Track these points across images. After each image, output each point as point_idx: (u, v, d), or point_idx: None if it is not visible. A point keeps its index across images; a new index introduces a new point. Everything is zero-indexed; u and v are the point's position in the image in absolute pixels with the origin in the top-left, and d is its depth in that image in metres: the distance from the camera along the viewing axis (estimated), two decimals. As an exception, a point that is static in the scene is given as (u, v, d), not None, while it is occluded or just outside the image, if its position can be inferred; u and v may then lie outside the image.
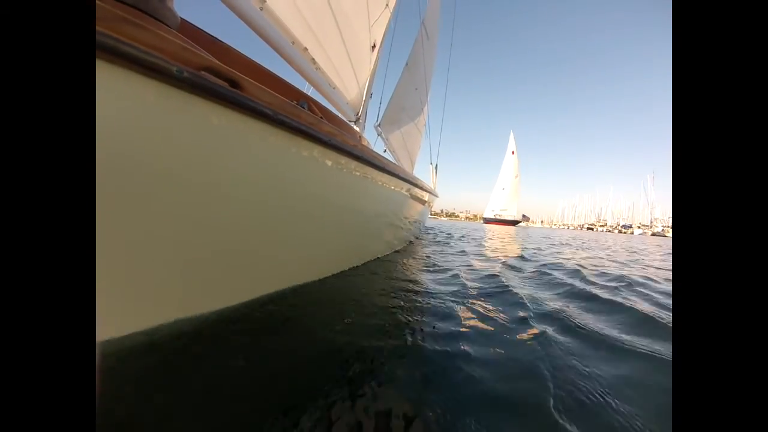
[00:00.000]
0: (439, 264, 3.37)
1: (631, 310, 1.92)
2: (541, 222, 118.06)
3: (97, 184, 0.46)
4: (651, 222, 72.10)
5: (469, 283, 2.43)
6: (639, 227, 69.96)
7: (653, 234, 56.85)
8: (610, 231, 69.83)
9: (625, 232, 61.64)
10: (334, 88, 3.48)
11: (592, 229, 78.30)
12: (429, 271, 2.91)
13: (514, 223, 57.39)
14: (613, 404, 0.94)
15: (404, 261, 3.34)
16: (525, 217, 68.91)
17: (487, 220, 59.11)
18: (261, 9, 2.36)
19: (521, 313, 1.73)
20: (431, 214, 10.83)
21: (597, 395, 0.98)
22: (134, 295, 1.08)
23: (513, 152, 62.39)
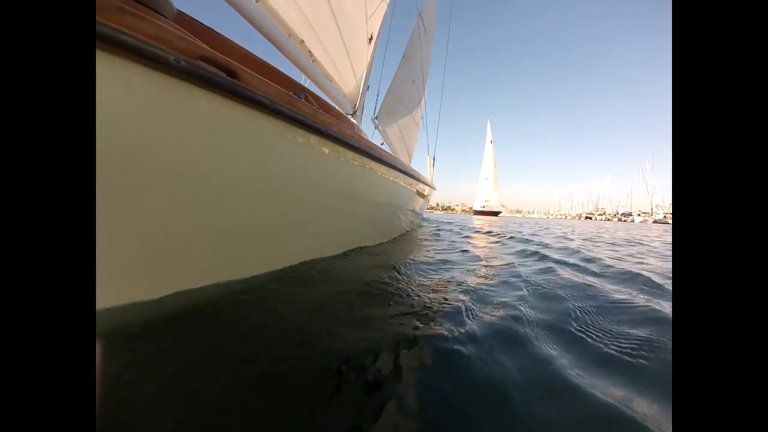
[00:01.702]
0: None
1: None
2: (537, 213, 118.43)
3: (96, 171, 0.45)
4: (652, 209, 70.21)
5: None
6: (639, 215, 68.21)
7: (655, 221, 54.75)
8: (609, 220, 68.74)
9: (625, 221, 60.25)
10: (330, 81, 3.45)
11: (591, 218, 77.29)
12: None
13: (495, 213, 58.01)
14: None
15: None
16: (504, 207, 70.55)
17: (477, 212, 59.66)
18: (257, 0, 2.34)
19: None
20: (428, 208, 10.87)
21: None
22: (139, 269, 1.10)
23: (492, 141, 62.45)
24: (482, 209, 59.88)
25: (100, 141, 0.73)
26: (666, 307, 1.43)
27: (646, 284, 1.96)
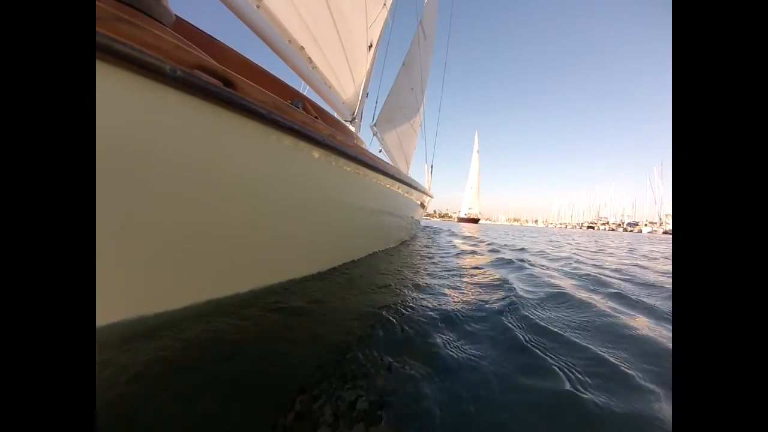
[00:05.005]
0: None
1: None
2: (535, 222, 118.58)
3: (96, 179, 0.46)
4: (660, 219, 68.07)
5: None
6: (647, 225, 66.49)
7: (665, 232, 52.65)
8: (613, 230, 67.21)
9: (631, 231, 58.74)
10: (330, 88, 3.47)
11: (593, 227, 76.25)
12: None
13: (476, 220, 61.70)
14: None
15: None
16: (481, 214, 74.77)
17: (461, 219, 63.80)
18: (258, 7, 2.36)
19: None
20: (425, 215, 10.86)
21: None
22: (131, 284, 1.09)
23: (478, 151, 67.00)
24: (465, 216, 64.62)
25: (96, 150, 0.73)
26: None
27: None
